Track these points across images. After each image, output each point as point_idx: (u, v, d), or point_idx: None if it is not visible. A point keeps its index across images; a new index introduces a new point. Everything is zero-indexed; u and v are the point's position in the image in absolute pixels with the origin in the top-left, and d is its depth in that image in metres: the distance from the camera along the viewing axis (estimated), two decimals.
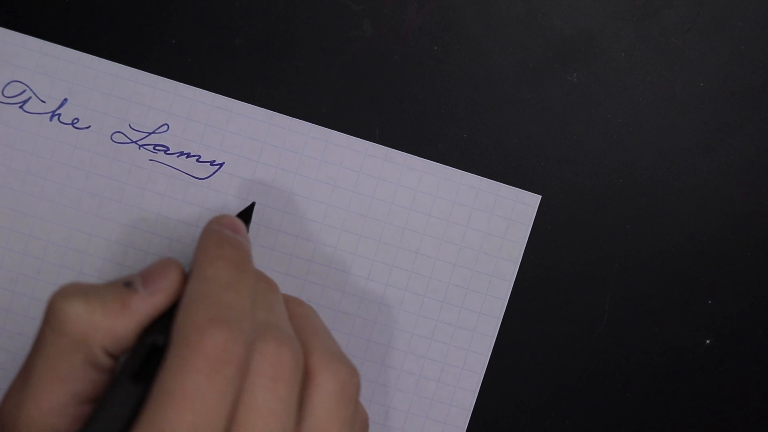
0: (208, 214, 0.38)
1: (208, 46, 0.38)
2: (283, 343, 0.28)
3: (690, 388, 0.39)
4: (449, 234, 0.38)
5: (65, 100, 0.38)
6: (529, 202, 0.38)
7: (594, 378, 0.39)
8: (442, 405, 0.39)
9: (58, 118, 0.38)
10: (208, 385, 0.26)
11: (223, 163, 0.38)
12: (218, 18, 0.38)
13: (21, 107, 0.38)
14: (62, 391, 0.28)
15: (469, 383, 0.39)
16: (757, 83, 0.39)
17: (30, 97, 0.38)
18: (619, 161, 0.39)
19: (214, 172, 0.38)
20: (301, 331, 0.31)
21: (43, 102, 0.38)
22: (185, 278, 0.31)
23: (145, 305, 0.30)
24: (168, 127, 0.38)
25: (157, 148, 0.38)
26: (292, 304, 0.33)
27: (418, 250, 0.38)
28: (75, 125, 0.38)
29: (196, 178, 0.38)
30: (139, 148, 0.38)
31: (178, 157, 0.38)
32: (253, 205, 0.38)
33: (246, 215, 0.37)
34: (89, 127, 0.38)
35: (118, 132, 0.38)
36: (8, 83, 0.38)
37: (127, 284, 0.30)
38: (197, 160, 0.38)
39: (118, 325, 0.29)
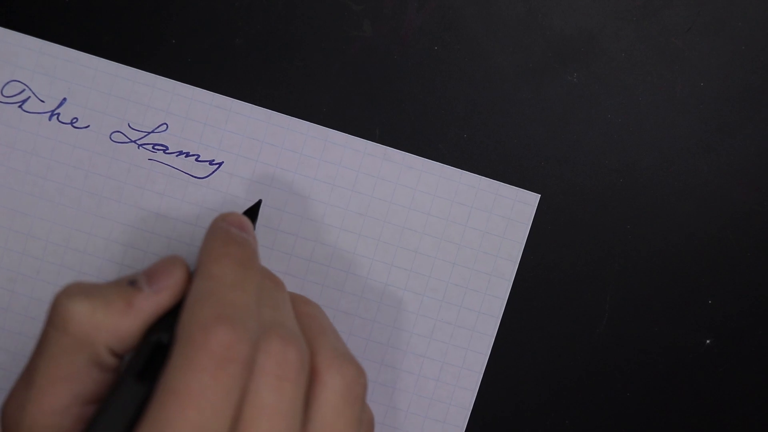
0: (207, 214, 0.38)
1: (208, 46, 0.38)
2: (289, 342, 0.28)
3: (690, 388, 0.39)
4: (448, 233, 0.38)
5: (64, 99, 0.38)
6: (528, 201, 0.38)
7: (594, 378, 0.39)
8: (442, 404, 0.39)
9: (57, 118, 0.38)
10: (213, 384, 0.26)
11: (222, 162, 0.38)
12: (218, 18, 0.38)
13: (20, 107, 0.38)
14: (66, 391, 0.28)
15: (469, 382, 0.39)
16: (757, 83, 0.39)
17: (29, 97, 0.38)
18: (619, 161, 0.39)
19: (213, 172, 0.38)
20: (308, 329, 0.31)
21: (42, 101, 0.38)
22: (190, 276, 0.31)
23: (150, 304, 0.29)
24: (167, 127, 0.38)
25: (156, 147, 0.38)
26: (298, 302, 0.33)
27: (418, 249, 0.38)
28: (74, 125, 0.38)
29: (195, 177, 0.38)
30: (138, 148, 0.38)
31: (177, 156, 0.38)
32: (259, 202, 0.37)
33: (253, 213, 0.36)
34: (88, 126, 0.38)
35: (117, 131, 0.38)
36: (7, 83, 0.38)
37: (131, 283, 0.30)
38: (196, 160, 0.38)
39: (122, 324, 0.29)
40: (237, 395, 0.26)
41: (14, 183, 0.38)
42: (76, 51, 0.38)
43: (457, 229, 0.38)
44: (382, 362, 0.39)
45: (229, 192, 0.38)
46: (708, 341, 0.39)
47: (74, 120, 0.38)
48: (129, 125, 0.38)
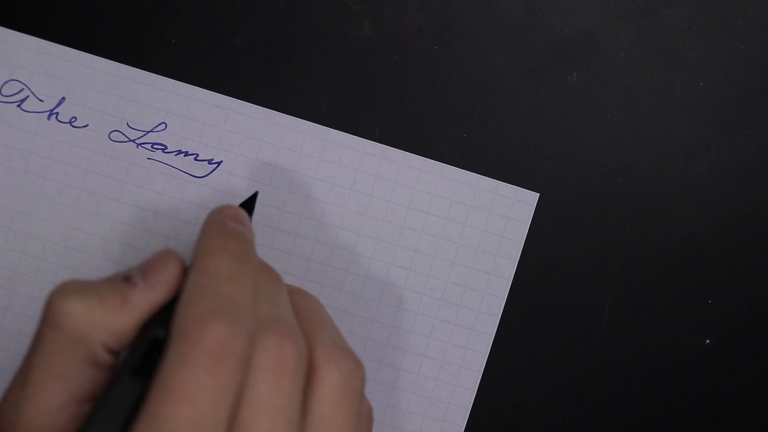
0: (206, 213, 0.38)
1: (208, 45, 0.38)
2: (286, 336, 0.28)
3: (690, 388, 0.39)
4: (447, 232, 0.38)
5: (63, 98, 0.38)
6: (528, 200, 0.38)
7: (594, 378, 0.39)
8: (441, 403, 0.39)
9: (56, 117, 0.38)
10: (208, 380, 0.26)
11: (221, 161, 0.38)
12: (218, 18, 0.38)
13: (19, 106, 0.38)
14: (62, 389, 0.28)
15: (468, 381, 0.39)
16: (757, 83, 0.38)
17: (28, 96, 0.38)
18: (619, 161, 0.39)
19: (212, 171, 0.38)
20: (306, 323, 0.30)
21: (41, 101, 0.38)
22: (185, 270, 0.31)
23: (145, 299, 0.29)
24: (166, 126, 0.38)
25: (155, 146, 0.38)
26: (296, 295, 0.32)
27: (417, 248, 0.38)
28: (73, 124, 0.38)
29: (194, 176, 0.38)
30: (137, 147, 0.38)
31: (176, 155, 0.38)
32: (256, 194, 0.37)
33: (249, 205, 0.36)
34: (87, 125, 0.38)
35: (116, 131, 0.38)
36: (6, 82, 0.38)
37: (125, 279, 0.29)
38: (195, 159, 0.38)
39: (117, 320, 0.28)
40: (234, 391, 0.26)
41: (13, 182, 0.38)
42: (76, 50, 0.38)
43: (456, 228, 0.38)
44: (381, 361, 0.39)
45: (228, 191, 0.38)
46: (708, 341, 0.39)
47: (73, 119, 0.38)
48: (128, 124, 0.38)
